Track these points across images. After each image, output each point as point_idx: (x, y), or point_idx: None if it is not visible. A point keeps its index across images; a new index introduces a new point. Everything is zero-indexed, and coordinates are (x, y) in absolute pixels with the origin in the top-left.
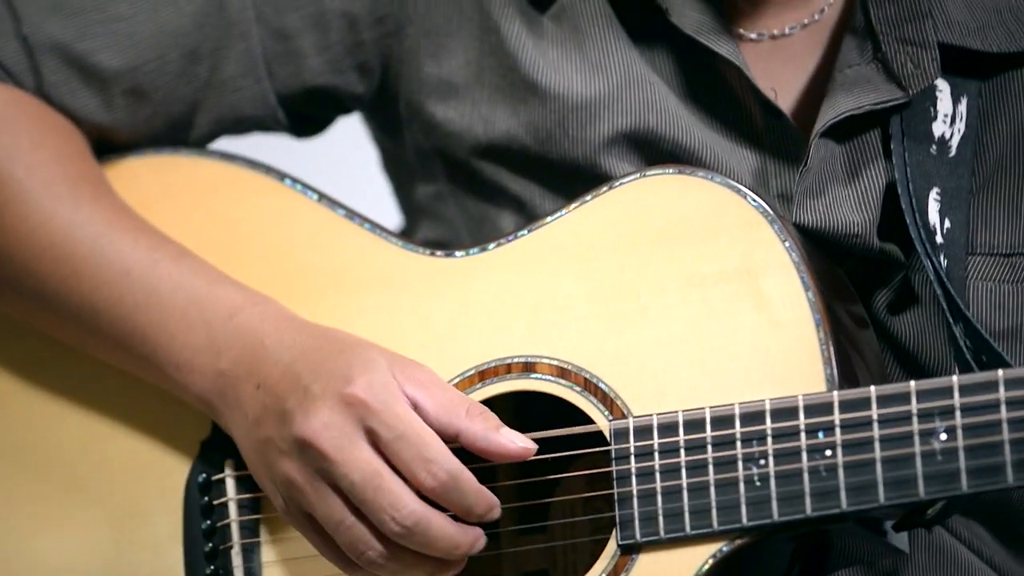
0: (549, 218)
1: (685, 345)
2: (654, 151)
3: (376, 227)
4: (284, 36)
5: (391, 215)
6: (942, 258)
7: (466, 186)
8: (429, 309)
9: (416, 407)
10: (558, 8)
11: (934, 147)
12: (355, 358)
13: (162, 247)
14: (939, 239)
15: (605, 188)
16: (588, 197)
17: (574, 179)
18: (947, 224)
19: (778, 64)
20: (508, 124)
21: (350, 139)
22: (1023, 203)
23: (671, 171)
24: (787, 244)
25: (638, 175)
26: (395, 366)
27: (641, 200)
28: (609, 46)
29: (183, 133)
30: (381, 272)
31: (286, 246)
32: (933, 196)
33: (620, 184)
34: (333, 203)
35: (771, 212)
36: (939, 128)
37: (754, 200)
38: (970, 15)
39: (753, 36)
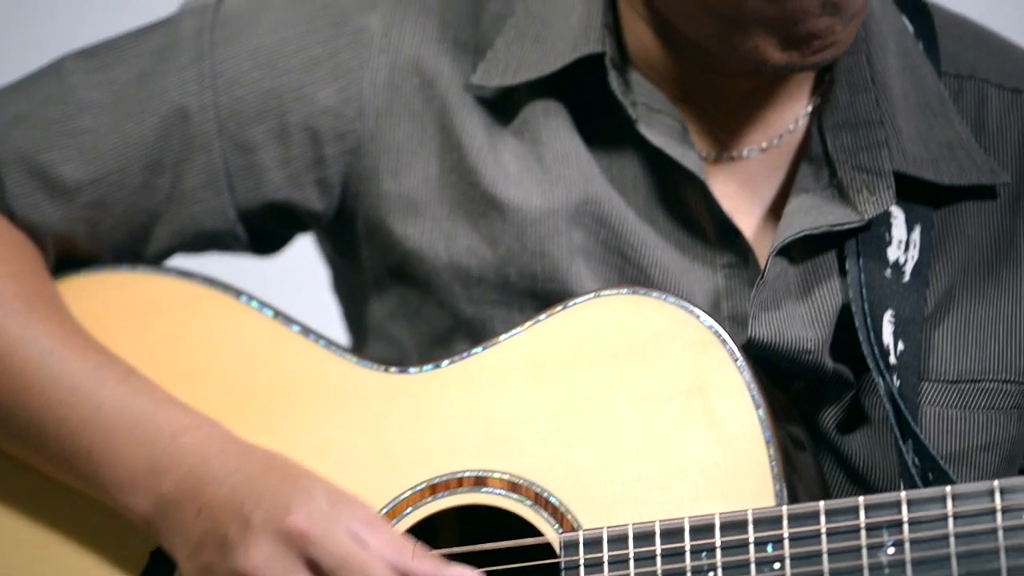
0: (503, 336)
1: (636, 460)
2: (610, 267)
3: (331, 344)
4: (246, 149)
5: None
6: (895, 379)
7: (421, 305)
8: (382, 424)
9: (359, 543)
10: (520, 122)
11: (889, 271)
12: (297, 488)
13: (110, 366)
14: (892, 360)
15: (559, 307)
16: (542, 316)
17: (532, 295)
18: (900, 347)
19: (736, 185)
20: (469, 240)
21: (310, 257)
22: (972, 332)
23: (625, 291)
24: (738, 363)
25: (592, 295)
26: (337, 500)
27: (595, 319)
28: (570, 159)
29: (143, 245)
30: (335, 388)
31: (241, 362)
32: (888, 318)
33: (575, 303)
34: (288, 320)
35: (722, 333)
36: (893, 253)
37: (706, 321)
38: (924, 148)
39: (714, 157)
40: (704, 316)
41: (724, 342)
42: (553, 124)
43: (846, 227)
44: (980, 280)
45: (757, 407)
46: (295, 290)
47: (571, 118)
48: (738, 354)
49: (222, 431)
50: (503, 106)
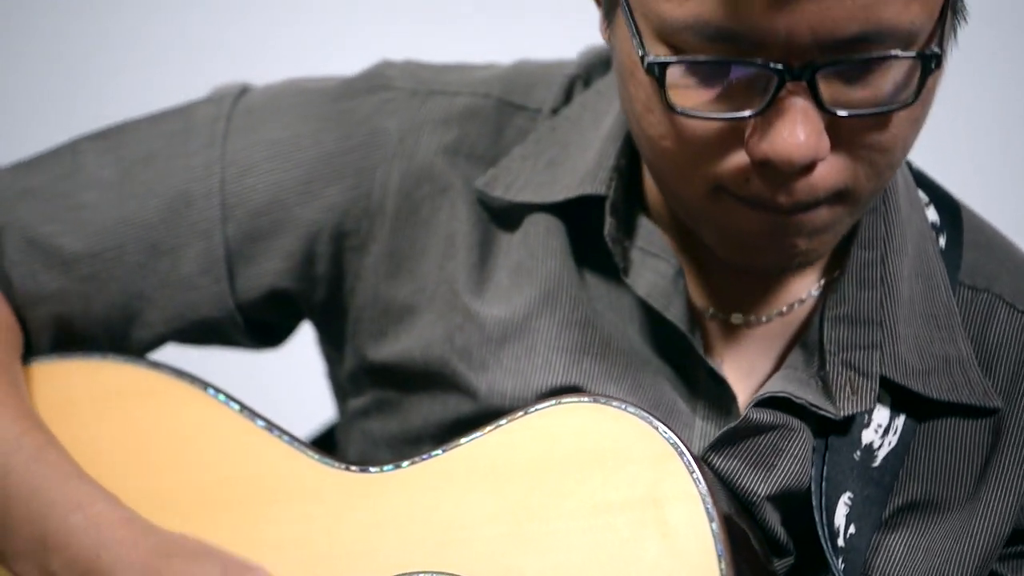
0: (464, 439)
1: (588, 570)
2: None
3: (294, 440)
4: (249, 239)
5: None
6: (840, 562)
7: (396, 407)
8: (340, 522)
9: None
10: (521, 233)
11: (859, 453)
12: (192, 567)
13: (33, 435)
14: (840, 542)
15: (521, 413)
16: (503, 421)
17: (500, 411)
18: (852, 530)
19: (725, 345)
20: (443, 349)
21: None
22: (923, 547)
23: (586, 399)
24: (695, 476)
25: (554, 402)
26: (230, 571)
27: (555, 426)
28: (561, 282)
29: (137, 330)
30: (294, 484)
31: (202, 455)
32: (844, 500)
33: (536, 410)
34: (254, 414)
35: (680, 445)
36: (869, 436)
37: (665, 432)
38: (919, 358)
39: (701, 310)
40: (663, 428)
41: (682, 454)
42: (551, 244)
43: (821, 412)
44: (945, 494)
45: (711, 520)
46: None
47: (571, 242)
48: (695, 467)
49: (121, 512)
50: (506, 215)
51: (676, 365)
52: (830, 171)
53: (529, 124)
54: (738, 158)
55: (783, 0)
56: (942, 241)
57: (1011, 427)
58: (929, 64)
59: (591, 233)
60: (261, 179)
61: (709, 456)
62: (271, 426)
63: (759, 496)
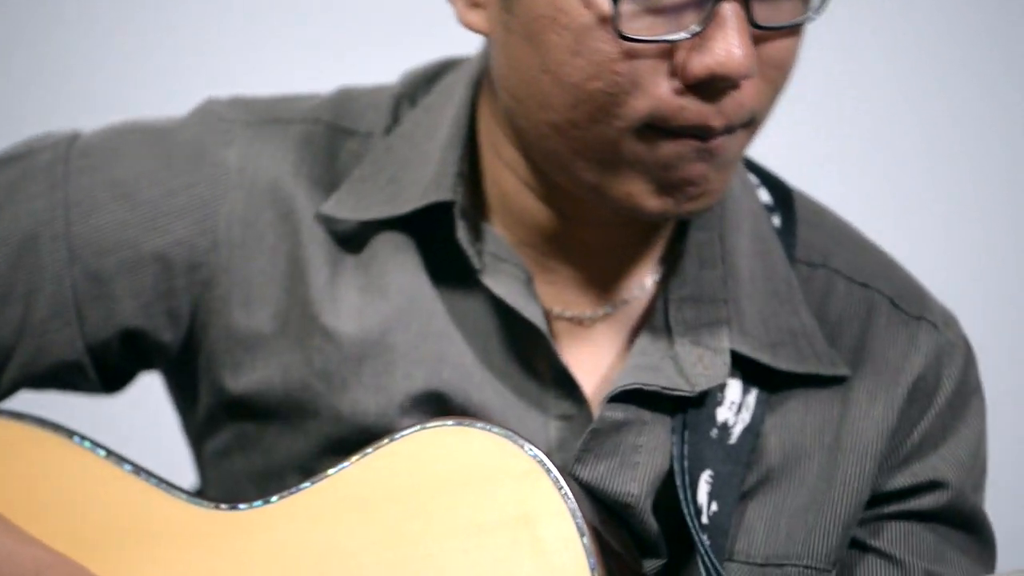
0: (332, 471)
1: None
2: (444, 405)
3: (163, 482)
4: (98, 279)
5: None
6: (705, 538)
7: (257, 440)
8: (213, 562)
9: None
10: (368, 255)
11: (715, 431)
12: None
13: None
14: (704, 519)
15: (386, 440)
16: (369, 450)
17: (363, 430)
18: (714, 507)
19: (578, 344)
20: (302, 372)
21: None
22: (784, 516)
23: (450, 423)
24: (563, 492)
25: (418, 427)
26: None
27: (421, 451)
28: (413, 295)
29: None
30: (165, 526)
31: (72, 503)
32: (705, 478)
33: (401, 436)
34: (120, 459)
35: (547, 462)
36: (723, 414)
37: (531, 450)
38: (765, 331)
39: (556, 312)
40: (528, 446)
41: (548, 471)
42: (400, 260)
43: (676, 392)
44: (800, 464)
45: (582, 535)
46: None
47: (420, 256)
48: (563, 483)
49: (86, 572)
50: (352, 239)
51: (531, 369)
52: (751, 90)
53: (362, 147)
54: (672, 85)
55: None
56: (776, 221)
57: (859, 395)
58: None
59: (440, 243)
60: (106, 219)
61: (575, 468)
62: (138, 469)
63: (634, 496)
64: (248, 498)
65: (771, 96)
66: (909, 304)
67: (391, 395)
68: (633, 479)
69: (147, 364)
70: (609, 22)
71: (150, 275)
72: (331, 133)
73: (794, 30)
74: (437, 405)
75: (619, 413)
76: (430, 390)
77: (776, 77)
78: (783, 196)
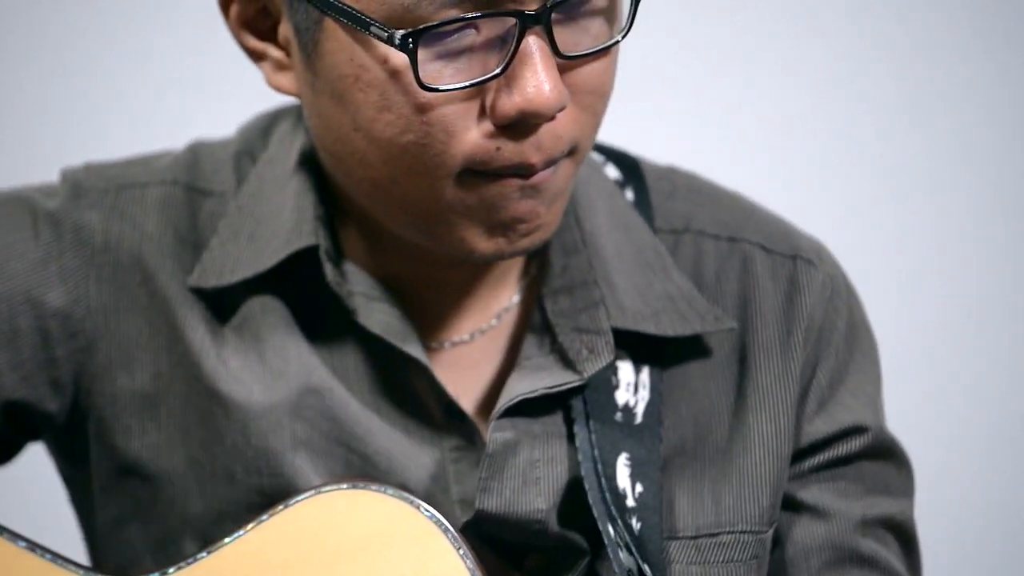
0: (228, 539)
1: None
2: (335, 459)
3: (57, 557)
4: None
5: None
6: (635, 521)
7: (152, 505)
8: None
9: None
10: (239, 319)
11: (619, 414)
12: None
13: None
14: (631, 502)
15: (280, 507)
16: (264, 517)
17: (259, 491)
18: (639, 488)
19: (461, 370)
20: (197, 435)
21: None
22: (706, 485)
23: (345, 486)
24: (461, 552)
25: (313, 492)
26: None
27: (317, 517)
28: (289, 353)
29: None
30: None
31: None
32: (622, 462)
33: (295, 502)
34: (14, 535)
35: (444, 522)
36: (623, 396)
37: (427, 511)
38: (643, 302)
39: (434, 345)
40: (424, 506)
41: (446, 531)
42: (272, 320)
43: (565, 387)
44: (711, 431)
45: None
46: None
47: (290, 313)
48: (460, 542)
49: None
50: (223, 303)
51: (419, 405)
52: (567, 121)
53: (218, 207)
54: (484, 128)
55: None
56: (629, 195)
57: (754, 350)
58: None
59: (307, 293)
60: None
61: (483, 500)
62: (33, 545)
63: (543, 512)
64: (145, 569)
65: (591, 122)
66: (780, 245)
67: (281, 456)
68: (538, 495)
69: (34, 435)
70: (409, 74)
71: (28, 347)
72: (189, 194)
73: (603, 53)
74: (330, 460)
75: (508, 432)
76: (320, 447)
77: (593, 102)
78: (631, 168)
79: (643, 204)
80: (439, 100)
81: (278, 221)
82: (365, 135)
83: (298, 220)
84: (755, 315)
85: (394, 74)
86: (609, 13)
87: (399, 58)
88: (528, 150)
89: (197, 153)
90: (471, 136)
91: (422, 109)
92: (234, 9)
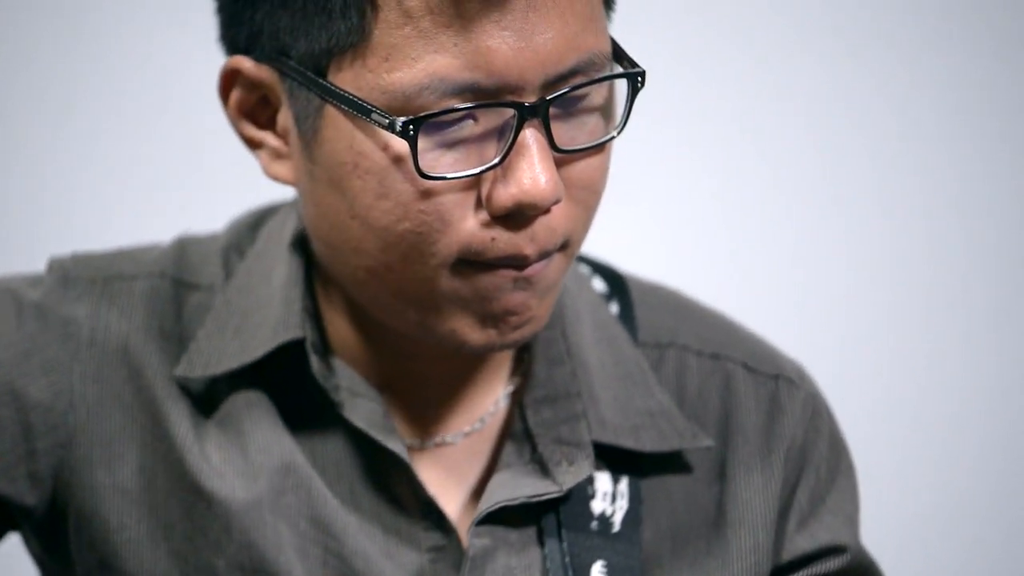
0: None
1: None
2: (313, 558)
3: None
4: None
5: None
6: None
7: None
8: None
9: None
10: (223, 413)
11: (595, 523)
12: None
13: None
14: None
15: None
16: None
17: None
18: None
19: (442, 472)
20: (179, 529)
21: None
22: None
23: None
24: None
25: None
26: None
27: None
28: (272, 449)
29: None
30: None
31: None
32: (598, 569)
33: None
34: None
35: None
36: (599, 506)
37: None
38: (623, 416)
39: (416, 444)
40: None
41: None
42: (256, 415)
43: (544, 498)
44: (689, 544)
45: None
46: None
47: (275, 407)
48: None
49: None
50: (207, 397)
51: (398, 504)
52: (561, 215)
53: (206, 301)
54: (480, 219)
55: (515, 43)
56: (614, 308)
57: (735, 467)
58: (636, 81)
59: (292, 386)
60: None
61: None
62: None
63: None
64: None
65: (584, 217)
66: (763, 364)
67: (263, 552)
68: None
69: (12, 527)
70: (409, 162)
71: (8, 439)
72: (176, 287)
73: (598, 149)
74: (308, 560)
75: (486, 539)
76: (300, 545)
77: (586, 197)
78: (616, 282)
79: (628, 318)
80: (437, 189)
81: (265, 313)
82: (362, 222)
83: (285, 312)
84: (736, 432)
85: (393, 161)
86: (605, 110)
87: (399, 145)
88: (522, 241)
89: (184, 247)
90: (467, 226)
91: (420, 197)
92: (234, 97)
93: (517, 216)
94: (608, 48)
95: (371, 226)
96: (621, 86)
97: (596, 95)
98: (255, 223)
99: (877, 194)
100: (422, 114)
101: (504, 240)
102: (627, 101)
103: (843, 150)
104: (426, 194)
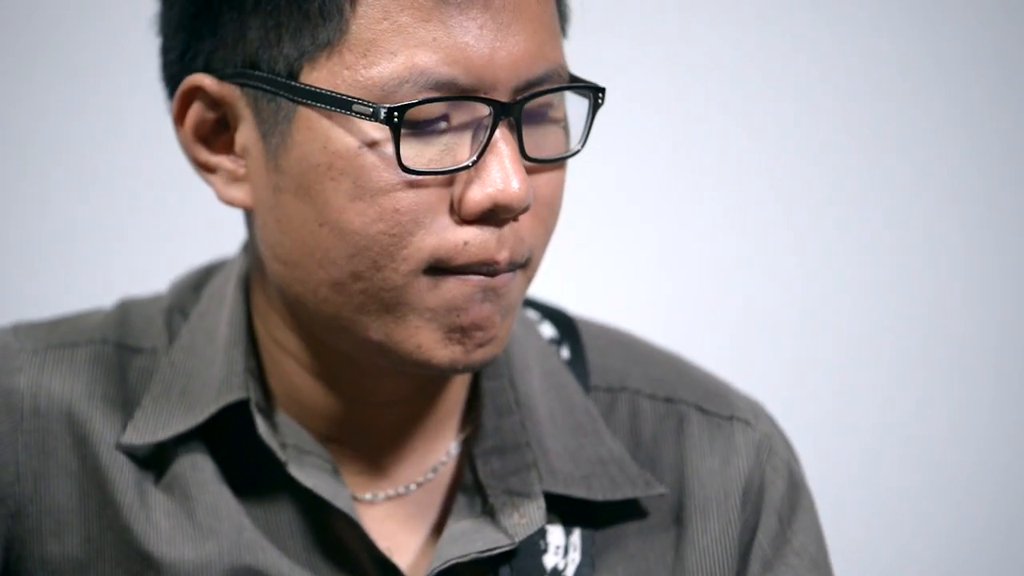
0: None
1: None
2: None
3: None
4: None
5: None
6: None
7: None
8: None
9: None
10: (170, 477)
11: None
12: None
13: None
14: None
15: None
16: None
17: None
18: None
19: (395, 524)
20: None
21: None
22: None
23: None
24: None
25: None
26: None
27: None
28: (220, 512)
29: None
30: None
31: None
32: None
33: None
34: None
35: None
36: (551, 560)
37: None
38: (574, 465)
39: (368, 497)
40: None
41: None
42: (202, 478)
43: (496, 551)
44: None
45: None
46: None
47: (220, 470)
48: None
49: None
50: (154, 462)
51: (351, 562)
52: (527, 226)
53: (150, 364)
54: (452, 221)
55: (493, 41)
56: (564, 353)
57: (692, 513)
58: (597, 98)
59: (237, 447)
60: None
61: None
62: None
63: None
64: None
65: (543, 236)
66: (716, 405)
67: None
68: None
69: None
70: (385, 159)
71: None
72: (119, 352)
73: (559, 165)
74: None
75: None
76: None
77: (546, 215)
78: (566, 326)
79: (578, 362)
80: (413, 185)
81: (208, 375)
82: (332, 228)
83: (228, 373)
84: (692, 476)
85: (370, 159)
86: (565, 127)
87: (379, 136)
88: (493, 246)
89: (127, 310)
90: (439, 227)
91: (396, 196)
92: (191, 118)
93: (490, 218)
94: (566, 65)
95: (342, 230)
96: (574, 108)
97: (558, 109)
98: (198, 283)
99: (877, 199)
100: (406, 102)
101: (476, 244)
102: (588, 117)
103: (842, 154)
104: (403, 189)
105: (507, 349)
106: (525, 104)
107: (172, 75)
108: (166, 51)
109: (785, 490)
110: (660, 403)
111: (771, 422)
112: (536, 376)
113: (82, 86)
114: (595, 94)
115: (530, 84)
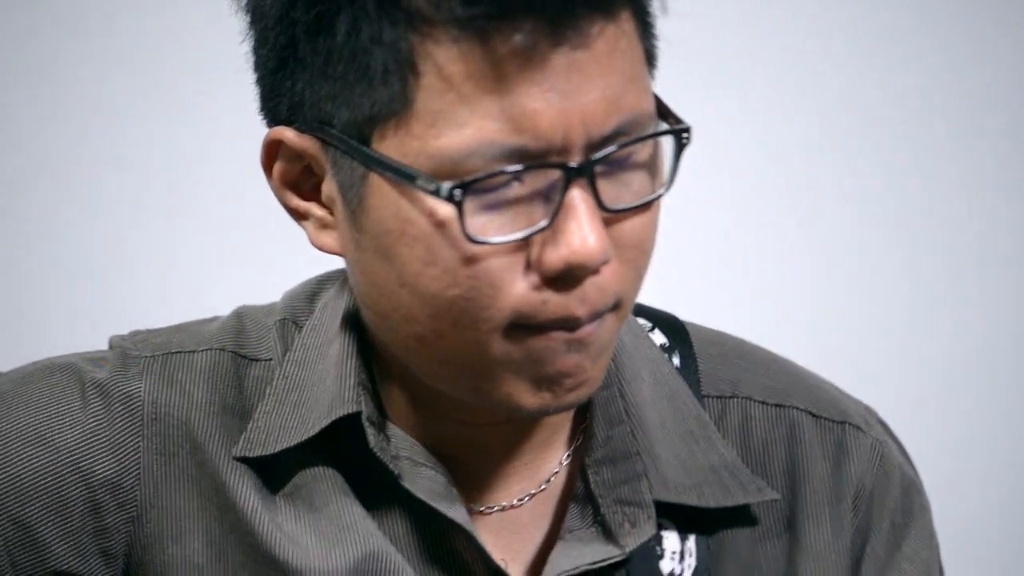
0: None
1: None
2: None
3: None
4: (24, 526)
5: None
6: None
7: None
8: None
9: None
10: (291, 487)
11: None
12: None
13: None
14: None
15: None
16: None
17: None
18: None
19: (508, 534)
20: None
21: None
22: None
23: None
24: None
25: None
26: None
27: None
28: (344, 521)
29: None
30: None
31: None
32: None
33: None
34: None
35: None
36: (667, 566)
37: None
38: (685, 473)
39: (483, 509)
40: None
41: None
42: (323, 488)
43: (606, 563)
44: None
45: None
46: None
47: (341, 478)
48: None
49: None
50: (273, 472)
51: (467, 572)
52: (611, 274)
53: (265, 374)
54: (530, 282)
55: (560, 103)
56: (676, 361)
57: (804, 519)
58: (681, 137)
59: (355, 457)
60: (25, 467)
61: None
62: None
63: None
64: None
65: (634, 277)
66: (828, 411)
67: None
68: None
69: None
70: (455, 227)
71: (78, 517)
72: (236, 360)
73: (645, 207)
74: None
75: None
76: None
77: (635, 257)
78: (678, 333)
79: (689, 369)
80: (485, 253)
81: (321, 389)
82: (411, 290)
83: (341, 387)
84: (803, 482)
85: (440, 227)
86: (651, 167)
87: (445, 211)
88: (573, 303)
89: (243, 319)
90: (517, 289)
91: (468, 262)
92: (277, 168)
93: (567, 278)
94: (651, 106)
95: (420, 293)
96: (666, 142)
97: (641, 152)
98: (311, 294)
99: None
100: (468, 178)
101: (555, 302)
102: (673, 158)
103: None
104: (474, 259)
105: (616, 359)
106: (598, 163)
107: (267, 119)
108: (260, 97)
109: (899, 496)
110: (771, 408)
111: (884, 427)
112: (646, 385)
113: (204, 98)
114: (679, 134)
115: (605, 138)
